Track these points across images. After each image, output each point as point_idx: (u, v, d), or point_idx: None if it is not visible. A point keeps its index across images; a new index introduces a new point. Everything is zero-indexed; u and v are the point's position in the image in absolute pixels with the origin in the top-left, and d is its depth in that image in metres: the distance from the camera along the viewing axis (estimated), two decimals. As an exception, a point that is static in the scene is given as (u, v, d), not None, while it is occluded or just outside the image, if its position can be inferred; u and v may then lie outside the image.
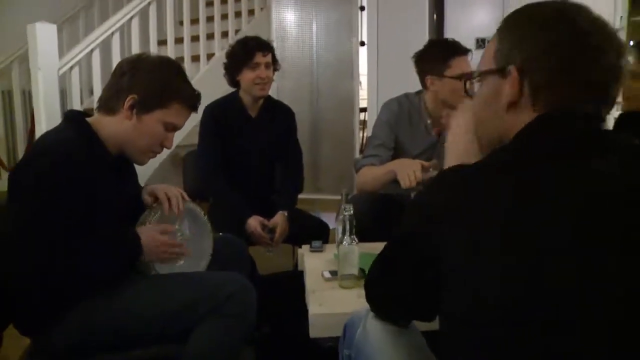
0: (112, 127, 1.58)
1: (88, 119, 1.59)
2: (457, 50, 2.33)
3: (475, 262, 0.77)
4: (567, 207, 0.75)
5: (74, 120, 1.59)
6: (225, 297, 1.53)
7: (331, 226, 4.14)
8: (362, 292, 1.09)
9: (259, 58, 2.50)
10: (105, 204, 1.54)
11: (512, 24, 0.93)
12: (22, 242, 1.43)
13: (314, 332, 1.52)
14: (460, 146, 1.15)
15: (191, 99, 1.65)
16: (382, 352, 1.06)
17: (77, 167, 1.45)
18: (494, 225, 0.77)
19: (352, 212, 1.68)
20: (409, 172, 2.01)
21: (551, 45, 0.87)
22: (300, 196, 2.91)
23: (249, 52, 2.50)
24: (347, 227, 1.68)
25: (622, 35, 6.66)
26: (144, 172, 3.31)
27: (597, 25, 0.87)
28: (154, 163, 3.66)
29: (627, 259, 0.72)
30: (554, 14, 0.89)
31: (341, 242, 1.69)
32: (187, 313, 1.51)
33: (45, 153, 1.47)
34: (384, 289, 1.02)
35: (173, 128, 1.64)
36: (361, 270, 1.67)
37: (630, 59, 2.05)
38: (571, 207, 0.75)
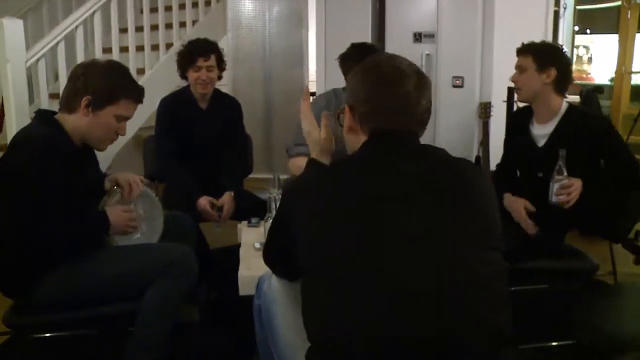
0: (74, 123, 1.94)
1: (55, 117, 1.95)
2: (373, 52, 2.70)
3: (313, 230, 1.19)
4: (375, 194, 1.17)
5: (45, 119, 1.94)
6: (170, 262, 1.93)
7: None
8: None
9: (200, 62, 2.84)
10: (76, 187, 1.91)
11: (350, 75, 1.36)
12: (3, 219, 1.79)
13: (242, 290, 1.92)
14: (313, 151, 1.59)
15: (137, 94, 2.02)
16: (279, 301, 1.47)
17: (52, 157, 1.82)
18: (332, 208, 1.19)
19: (277, 194, 2.08)
20: None
21: (360, 89, 1.30)
22: (253, 175, 3.28)
23: (192, 56, 2.85)
24: (273, 206, 2.08)
25: (569, 23, 7.06)
26: (109, 152, 3.60)
27: (394, 68, 1.28)
28: (117, 145, 3.94)
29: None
30: (366, 66, 1.32)
31: (267, 219, 2.08)
32: (140, 275, 1.92)
33: (24, 147, 1.84)
34: (269, 253, 1.43)
35: (124, 119, 2.01)
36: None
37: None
38: (379, 193, 1.17)
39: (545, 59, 2.34)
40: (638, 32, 6.46)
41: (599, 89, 6.32)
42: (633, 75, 6.65)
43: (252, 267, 1.99)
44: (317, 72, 4.89)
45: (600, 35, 7.57)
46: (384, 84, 1.28)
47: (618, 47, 6.67)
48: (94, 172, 2.15)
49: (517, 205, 2.34)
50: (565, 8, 6.79)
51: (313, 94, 5.16)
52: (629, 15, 6.49)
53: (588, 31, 7.72)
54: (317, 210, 1.19)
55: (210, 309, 2.49)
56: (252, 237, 2.29)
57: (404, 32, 4.53)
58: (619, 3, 6.78)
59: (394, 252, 1.12)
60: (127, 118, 2.02)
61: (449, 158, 1.26)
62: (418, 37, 4.51)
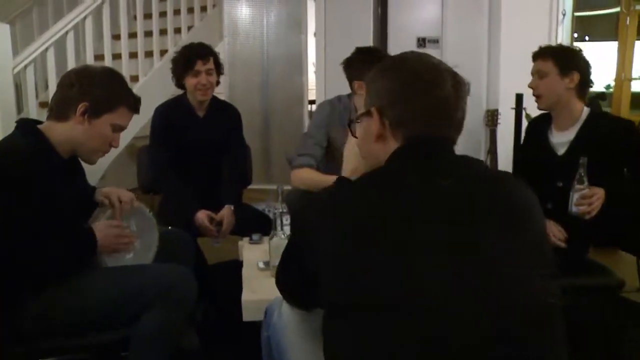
0: (65, 132, 1.78)
1: (39, 126, 1.78)
2: (380, 57, 2.56)
3: (343, 260, 1.01)
4: (412, 216, 1.00)
5: (26, 128, 1.77)
6: (169, 285, 1.76)
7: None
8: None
9: (199, 66, 2.68)
10: (60, 203, 1.74)
11: (371, 75, 1.18)
12: None
13: (246, 316, 1.75)
14: (349, 165, 1.42)
15: (134, 103, 1.89)
16: (292, 334, 1.30)
17: (32, 172, 1.65)
18: (356, 233, 1.01)
19: (284, 209, 1.91)
20: None
21: (392, 88, 1.13)
22: (252, 186, 3.12)
23: (190, 60, 2.69)
24: (278, 222, 1.91)
25: (567, 31, 7.00)
26: (101, 163, 3.44)
27: (430, 66, 1.12)
28: (110, 155, 3.79)
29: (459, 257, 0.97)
30: (394, 64, 1.16)
31: (272, 237, 1.92)
32: (134, 300, 1.73)
33: (1, 161, 1.66)
34: (283, 281, 1.26)
35: (119, 129, 1.87)
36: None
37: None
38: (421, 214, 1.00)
39: (568, 62, 2.23)
40: (637, 39, 6.36)
41: (601, 95, 6.23)
42: (633, 83, 6.56)
43: (257, 290, 1.83)
44: (317, 80, 4.74)
45: (598, 42, 7.47)
46: (422, 83, 1.11)
47: (617, 54, 6.56)
48: (81, 185, 1.98)
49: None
50: (564, 15, 6.72)
51: (312, 102, 5.06)
52: (627, 22, 6.40)
53: (587, 38, 7.63)
54: (344, 236, 1.01)
55: (210, 333, 2.31)
56: (254, 256, 2.12)
57: (407, 37, 4.41)
58: (617, 9, 6.69)
59: (433, 293, 0.94)
60: (122, 128, 1.88)
61: (492, 172, 1.09)
62: (422, 43, 4.40)
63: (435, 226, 0.98)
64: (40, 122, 1.83)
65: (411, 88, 1.11)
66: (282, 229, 1.92)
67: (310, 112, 5.24)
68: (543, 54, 2.28)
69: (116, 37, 4.21)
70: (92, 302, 1.72)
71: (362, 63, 2.56)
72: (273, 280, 1.88)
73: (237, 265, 2.20)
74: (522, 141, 2.68)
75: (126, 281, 1.77)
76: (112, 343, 1.77)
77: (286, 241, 1.90)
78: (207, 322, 2.46)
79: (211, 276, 2.63)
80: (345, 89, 2.69)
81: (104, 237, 1.79)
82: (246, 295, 1.80)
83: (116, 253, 1.86)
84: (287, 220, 1.98)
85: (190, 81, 2.71)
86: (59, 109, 1.79)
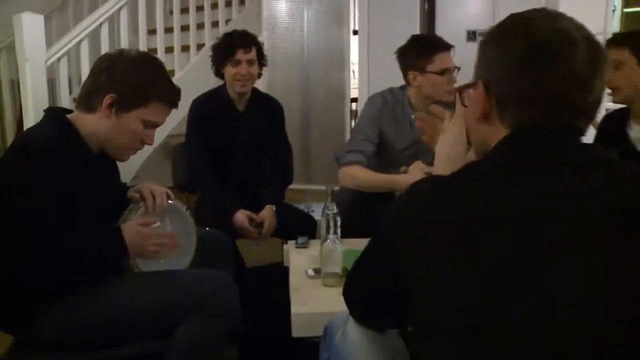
0: (92, 125, 1.58)
1: (69, 116, 1.59)
2: (439, 45, 2.34)
3: (439, 276, 0.78)
4: (529, 224, 0.76)
5: (54, 117, 1.58)
6: (208, 294, 1.55)
7: (317, 217, 4.15)
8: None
9: (240, 55, 2.49)
10: (88, 201, 1.55)
11: (483, 40, 0.93)
12: (2, 240, 1.43)
13: (297, 331, 1.53)
14: (443, 153, 1.17)
15: (171, 96, 1.64)
16: (360, 356, 1.07)
17: (57, 165, 1.46)
18: (455, 239, 0.78)
19: (335, 210, 1.69)
20: None
21: (502, 60, 0.88)
22: (291, 186, 2.91)
23: (231, 48, 2.49)
24: (331, 225, 1.68)
25: (616, 27, 6.71)
26: (134, 161, 3.30)
27: (557, 32, 0.85)
28: (143, 153, 3.65)
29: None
30: (514, 28, 0.89)
31: (325, 240, 1.69)
32: (170, 310, 1.52)
33: (25, 151, 1.47)
34: (358, 295, 1.03)
35: (153, 125, 1.64)
36: (344, 268, 1.68)
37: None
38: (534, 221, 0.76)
39: None
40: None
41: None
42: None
43: (308, 302, 1.60)
44: (360, 75, 4.53)
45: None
46: (541, 55, 0.85)
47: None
48: (114, 183, 1.79)
49: None
50: (614, 10, 6.45)
51: (355, 99, 4.83)
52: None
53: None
54: (439, 245, 0.79)
55: (251, 346, 2.09)
56: (302, 261, 1.90)
57: (456, 30, 4.13)
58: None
59: (559, 322, 0.72)
60: (156, 125, 1.65)
61: (630, 167, 0.84)
62: (472, 36, 4.12)
63: (558, 241, 0.74)
64: (71, 111, 1.63)
65: (525, 61, 0.85)
66: (335, 232, 1.69)
67: (352, 111, 5.02)
68: (617, 42, 2.04)
69: (152, 31, 4.07)
70: (119, 312, 1.52)
71: (417, 52, 2.36)
72: (325, 290, 1.69)
73: (278, 269, 1.99)
74: (593, 139, 2.42)
75: (159, 290, 1.55)
76: (144, 357, 1.56)
77: (339, 246, 1.70)
78: (247, 333, 2.24)
79: (251, 282, 2.42)
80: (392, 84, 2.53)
81: (133, 236, 1.57)
82: (295, 308, 1.58)
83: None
84: (339, 222, 1.74)
85: (229, 71, 2.51)
86: (87, 97, 1.59)
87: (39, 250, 1.42)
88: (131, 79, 1.56)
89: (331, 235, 1.68)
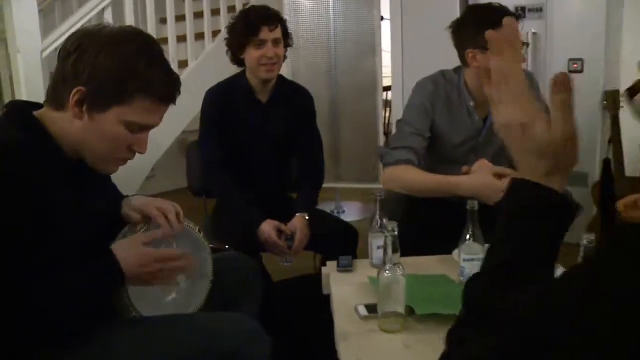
0: (63, 126, 1.17)
1: (36, 113, 1.18)
2: (504, 16, 1.90)
3: None
4: None
5: (17, 115, 1.18)
6: (231, 351, 1.14)
7: (355, 217, 3.73)
8: (410, 337, 0.69)
9: (265, 34, 2.09)
10: (63, 224, 1.15)
11: None
12: None
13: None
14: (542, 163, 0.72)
15: (162, 89, 1.20)
16: None
17: (23, 178, 1.07)
18: None
19: (396, 232, 1.26)
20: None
21: None
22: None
23: (253, 27, 2.09)
24: (390, 250, 1.26)
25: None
26: (146, 159, 2.91)
27: None
28: (159, 149, 3.29)
29: None
30: None
31: (385, 270, 1.27)
32: None
33: None
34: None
35: (142, 128, 1.21)
36: (408, 307, 1.27)
37: None
38: None
39: None
40: None
41: None
42: None
43: (361, 350, 1.18)
44: (393, 62, 4.11)
45: None
46: None
47: None
48: (105, 195, 1.37)
49: None
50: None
51: (388, 88, 4.43)
52: None
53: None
54: None
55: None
56: (348, 293, 1.48)
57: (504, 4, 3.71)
58: None
59: None
60: (147, 127, 1.22)
61: None
62: (521, 12, 3.68)
63: None
64: (37, 105, 1.23)
65: None
66: (394, 259, 1.27)
67: (386, 101, 4.61)
68: None
69: (162, 20, 3.75)
70: None
71: (478, 25, 1.92)
72: (384, 336, 1.27)
73: (311, 283, 1.61)
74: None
75: (164, 347, 1.15)
76: None
77: (402, 278, 1.26)
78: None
79: (284, 310, 2.03)
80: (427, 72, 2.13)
81: (132, 258, 1.17)
82: (344, 353, 1.17)
83: (152, 288, 1.26)
84: (398, 244, 1.31)
85: (252, 54, 2.10)
86: (54, 91, 1.18)
87: (7, 286, 1.04)
88: (106, 65, 1.13)
89: (390, 264, 1.26)
